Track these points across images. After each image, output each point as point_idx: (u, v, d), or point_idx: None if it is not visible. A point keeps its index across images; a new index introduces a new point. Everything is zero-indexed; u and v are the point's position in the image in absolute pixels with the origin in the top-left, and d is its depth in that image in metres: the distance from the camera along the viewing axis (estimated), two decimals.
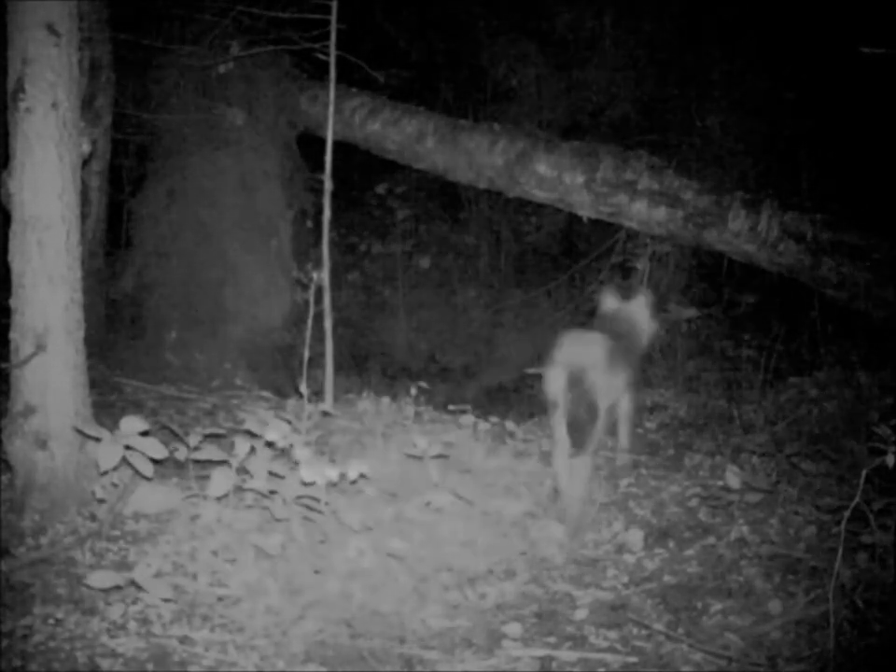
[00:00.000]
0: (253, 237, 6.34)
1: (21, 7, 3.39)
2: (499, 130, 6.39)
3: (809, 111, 6.40)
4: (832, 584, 2.77)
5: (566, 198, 6.16)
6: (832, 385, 5.07)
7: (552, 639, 2.95)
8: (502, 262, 8.08)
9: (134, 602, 2.87)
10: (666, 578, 3.34)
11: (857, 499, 2.90)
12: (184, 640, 2.74)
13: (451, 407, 4.81)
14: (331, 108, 4.89)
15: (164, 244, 6.33)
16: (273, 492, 3.30)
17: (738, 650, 2.82)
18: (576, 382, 3.58)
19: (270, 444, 3.32)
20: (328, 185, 4.73)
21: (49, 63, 3.39)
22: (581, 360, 3.65)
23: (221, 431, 3.78)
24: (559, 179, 6.09)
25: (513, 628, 2.99)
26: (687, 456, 4.41)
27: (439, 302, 7.61)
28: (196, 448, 3.40)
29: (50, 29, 3.38)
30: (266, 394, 5.38)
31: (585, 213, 6.17)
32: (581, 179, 6.00)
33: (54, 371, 3.44)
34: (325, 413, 4.31)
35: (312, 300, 4.13)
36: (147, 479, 3.36)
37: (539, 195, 6.29)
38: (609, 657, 2.83)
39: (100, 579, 2.88)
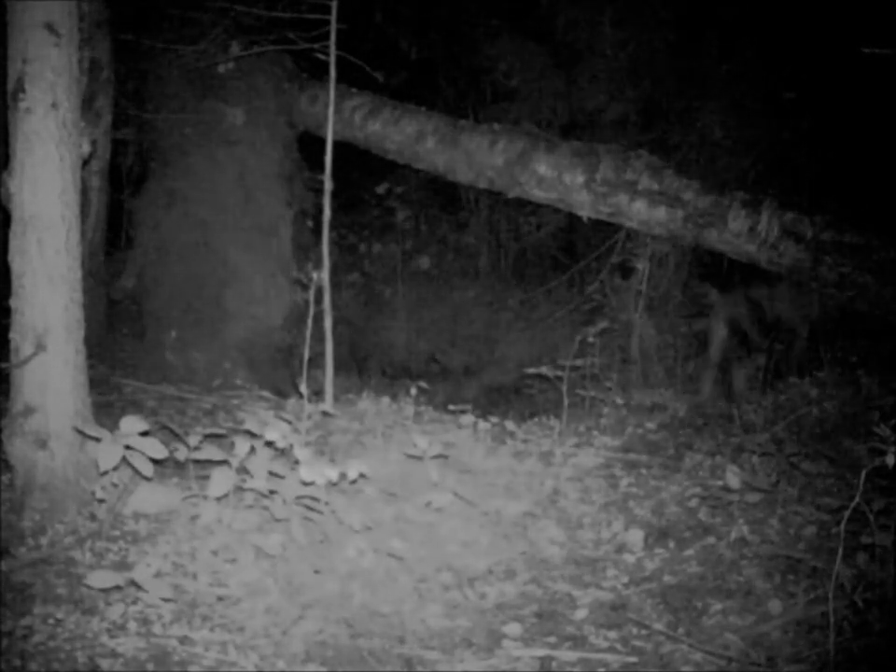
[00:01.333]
0: (253, 237, 6.33)
1: (20, 6, 3.39)
2: (499, 130, 6.39)
3: (809, 111, 6.40)
4: (832, 584, 2.77)
5: (566, 198, 6.16)
6: (832, 385, 5.07)
7: (552, 639, 2.95)
8: (502, 262, 8.08)
9: (134, 602, 2.87)
10: (666, 578, 3.33)
11: (857, 499, 2.90)
12: (184, 640, 2.74)
13: (451, 407, 4.81)
14: (331, 108, 4.90)
15: (164, 244, 6.33)
16: (272, 492, 3.30)
17: (738, 650, 2.82)
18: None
19: (270, 444, 3.32)
20: (328, 185, 4.73)
21: (49, 63, 3.39)
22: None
23: (221, 431, 3.78)
24: (559, 179, 6.09)
25: (513, 628, 2.99)
26: (687, 456, 4.41)
27: (439, 302, 7.61)
28: (196, 448, 3.40)
29: (50, 29, 3.38)
30: (266, 394, 5.38)
31: (585, 213, 6.16)
32: (580, 179, 6.00)
33: (54, 371, 3.44)
34: (325, 413, 4.32)
35: (312, 300, 4.14)
36: (147, 479, 3.36)
37: (539, 195, 6.28)
38: (609, 657, 2.83)
39: (100, 579, 2.88)
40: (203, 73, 6.34)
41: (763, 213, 5.57)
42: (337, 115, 5.33)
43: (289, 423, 3.45)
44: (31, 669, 2.55)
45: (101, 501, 3.40)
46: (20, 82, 3.38)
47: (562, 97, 7.22)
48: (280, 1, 6.03)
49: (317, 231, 4.92)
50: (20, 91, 3.38)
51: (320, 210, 4.88)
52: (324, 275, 4.69)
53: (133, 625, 2.78)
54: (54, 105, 3.40)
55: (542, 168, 6.12)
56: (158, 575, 2.96)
